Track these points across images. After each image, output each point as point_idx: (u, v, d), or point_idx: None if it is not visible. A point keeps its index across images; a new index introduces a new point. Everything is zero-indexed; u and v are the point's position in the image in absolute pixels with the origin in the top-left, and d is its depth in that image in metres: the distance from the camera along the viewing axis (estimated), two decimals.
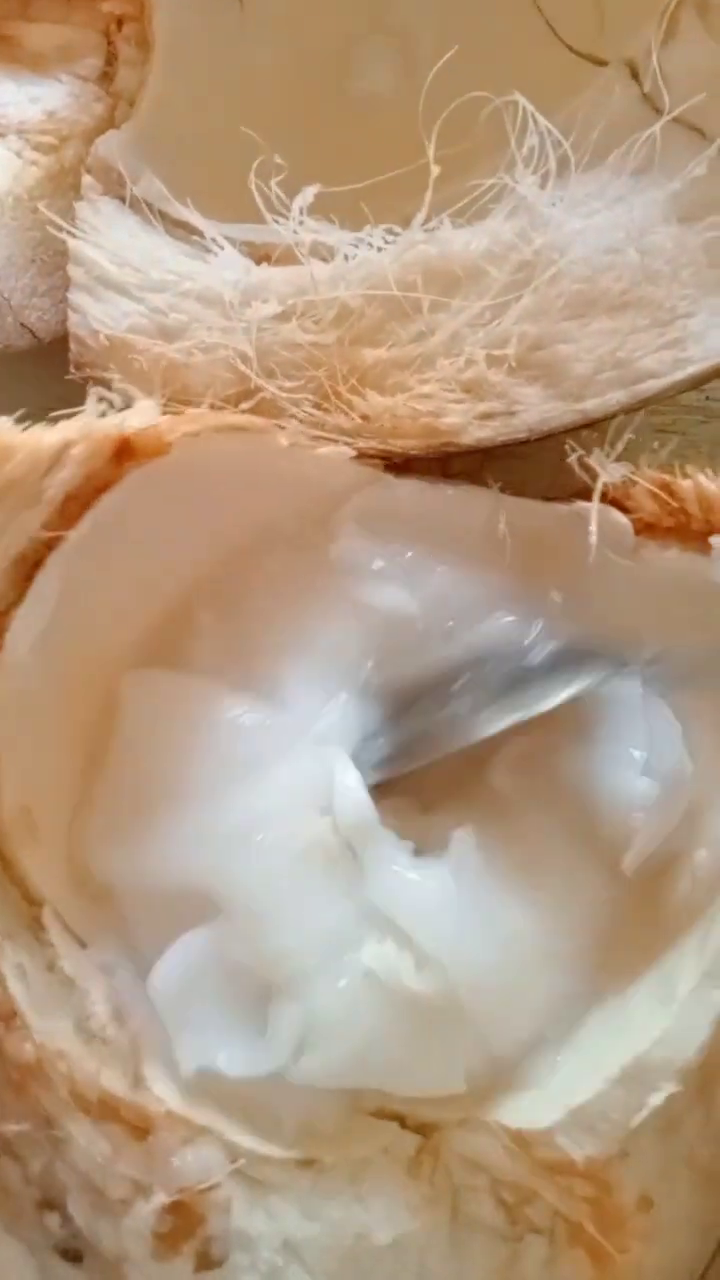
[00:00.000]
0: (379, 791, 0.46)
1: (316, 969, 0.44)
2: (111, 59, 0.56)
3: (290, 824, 0.45)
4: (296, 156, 0.55)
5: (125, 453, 0.41)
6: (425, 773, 0.48)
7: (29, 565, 0.41)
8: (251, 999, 0.45)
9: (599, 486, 0.45)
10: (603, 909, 0.46)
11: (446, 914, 0.44)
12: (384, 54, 0.58)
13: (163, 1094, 0.43)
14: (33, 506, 0.41)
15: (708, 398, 0.62)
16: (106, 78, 0.56)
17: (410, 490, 0.48)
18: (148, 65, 0.55)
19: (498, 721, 0.46)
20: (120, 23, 0.56)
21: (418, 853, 0.46)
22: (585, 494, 0.47)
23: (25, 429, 0.41)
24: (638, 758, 0.47)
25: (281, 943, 0.44)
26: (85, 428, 0.41)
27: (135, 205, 0.52)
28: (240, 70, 0.57)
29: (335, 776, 0.45)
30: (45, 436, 0.40)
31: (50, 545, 0.41)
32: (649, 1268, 0.44)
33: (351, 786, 0.45)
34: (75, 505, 0.41)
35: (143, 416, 0.42)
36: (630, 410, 0.47)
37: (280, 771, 0.46)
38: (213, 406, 0.48)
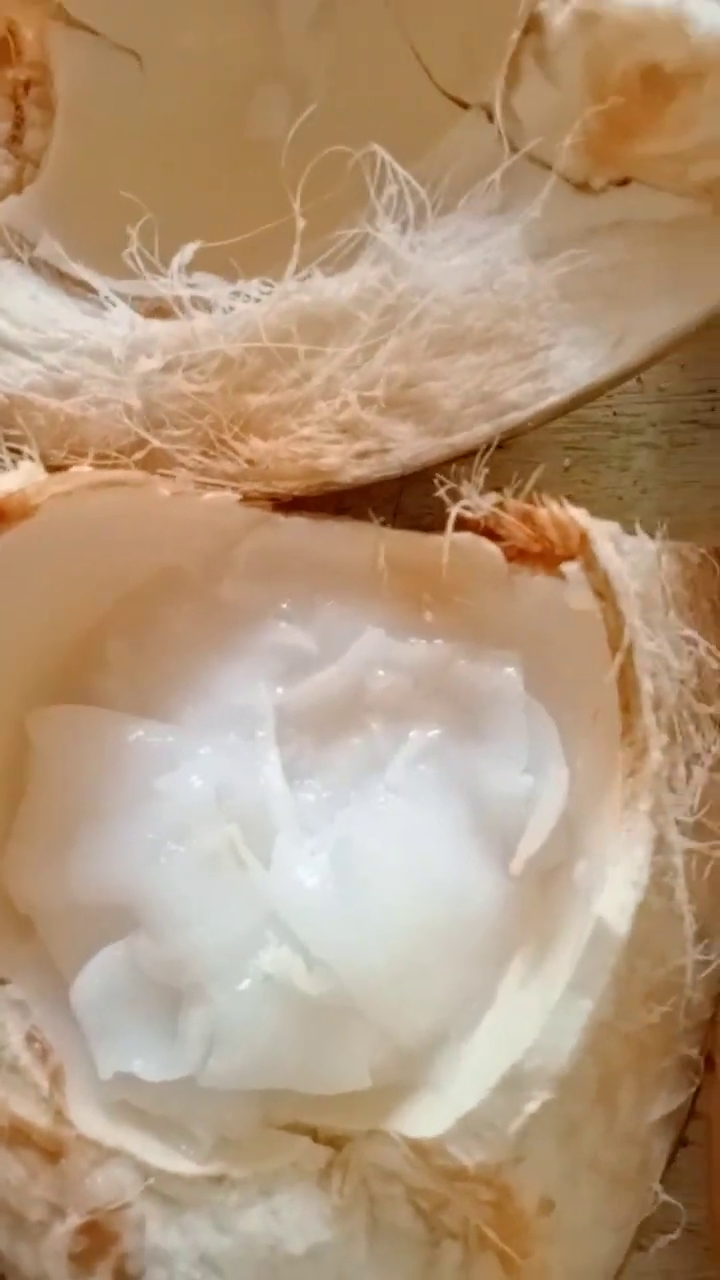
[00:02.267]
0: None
1: (221, 973, 0.45)
2: (19, 122, 0.57)
3: (198, 833, 0.46)
4: (198, 202, 0.57)
5: None
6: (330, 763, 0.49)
7: None
8: (166, 1007, 0.46)
9: (452, 516, 0.46)
10: (496, 906, 0.47)
11: (331, 917, 0.45)
12: (278, 99, 0.59)
13: (80, 1118, 0.45)
14: None
15: (615, 414, 0.62)
16: (15, 140, 0.57)
17: (297, 528, 0.49)
18: (52, 126, 0.57)
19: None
20: (27, 86, 0.57)
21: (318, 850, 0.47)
22: (465, 524, 0.48)
23: None
24: (521, 755, 0.47)
25: (188, 949, 0.45)
26: None
27: (36, 267, 0.54)
28: (141, 122, 0.58)
29: (262, 770, 0.47)
30: None
31: None
32: (557, 1269, 0.45)
33: (272, 780, 0.47)
34: None
35: (16, 479, 0.43)
36: (500, 442, 0.48)
37: (189, 783, 0.47)
38: (104, 458, 0.49)
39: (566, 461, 0.62)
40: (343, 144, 0.51)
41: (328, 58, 0.58)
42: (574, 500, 0.62)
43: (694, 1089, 0.48)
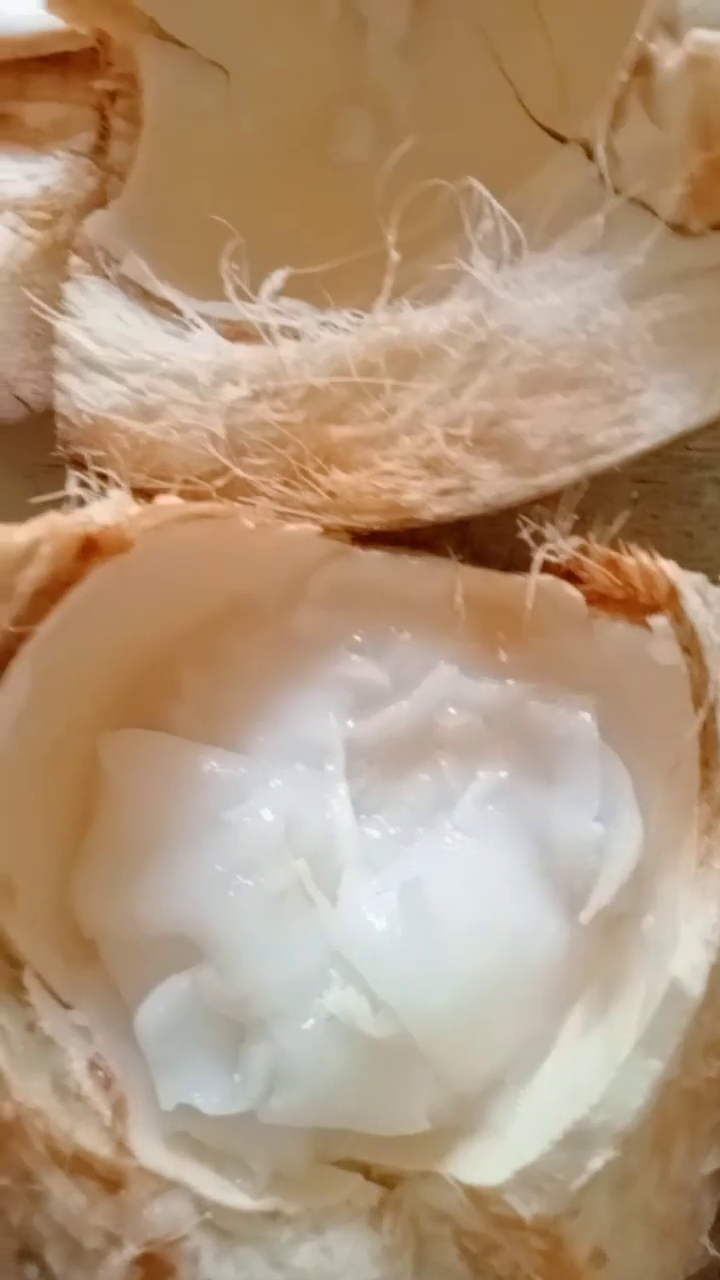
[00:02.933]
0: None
1: (285, 1011, 0.44)
2: (104, 134, 0.57)
3: (266, 867, 0.45)
4: (281, 222, 0.56)
5: (90, 550, 0.42)
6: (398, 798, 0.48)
7: (2, 657, 0.42)
8: (229, 1041, 0.46)
9: (538, 559, 0.45)
10: (560, 952, 0.46)
11: (397, 960, 0.44)
12: (363, 121, 0.58)
13: (140, 1147, 0.44)
14: (4, 602, 0.41)
15: (687, 448, 0.62)
16: (100, 152, 0.57)
17: (375, 562, 0.48)
18: (138, 139, 0.56)
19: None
20: (113, 97, 0.57)
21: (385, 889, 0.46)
22: (546, 566, 0.47)
23: None
24: (592, 801, 0.47)
25: (253, 985, 0.45)
26: (53, 525, 0.42)
27: (121, 284, 0.53)
28: (226, 140, 0.58)
29: (330, 804, 0.46)
30: (15, 535, 0.41)
31: (21, 638, 0.42)
32: None
33: (340, 815, 0.46)
34: (44, 600, 0.42)
35: (109, 511, 0.43)
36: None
37: (259, 816, 0.46)
38: (188, 483, 0.49)
39: (635, 494, 0.61)
40: (430, 170, 0.50)
41: (415, 82, 0.57)
42: (641, 534, 0.62)
43: None
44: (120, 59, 0.56)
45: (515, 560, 0.48)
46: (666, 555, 0.61)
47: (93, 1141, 0.44)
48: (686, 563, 0.61)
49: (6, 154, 0.58)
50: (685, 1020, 0.41)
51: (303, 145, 0.58)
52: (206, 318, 0.52)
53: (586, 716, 0.47)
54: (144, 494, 0.49)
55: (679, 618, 0.43)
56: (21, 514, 0.49)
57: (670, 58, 0.43)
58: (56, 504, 0.47)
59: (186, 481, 0.49)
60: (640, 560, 0.44)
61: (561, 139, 0.50)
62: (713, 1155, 0.46)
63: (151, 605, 0.47)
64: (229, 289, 0.48)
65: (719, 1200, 0.47)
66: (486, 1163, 0.44)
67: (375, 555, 0.48)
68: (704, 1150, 0.46)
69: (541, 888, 0.47)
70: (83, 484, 0.47)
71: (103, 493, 0.46)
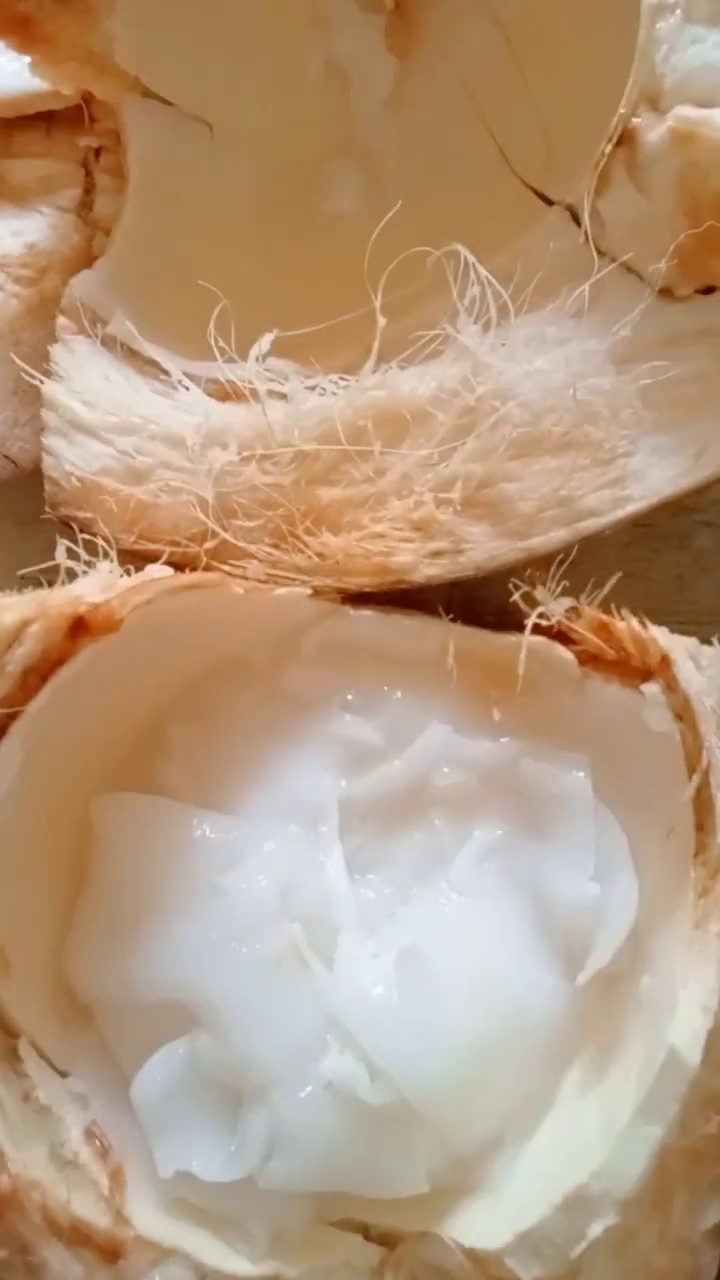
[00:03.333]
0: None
1: (283, 1078, 0.44)
2: (90, 189, 0.57)
3: (262, 933, 0.45)
4: (268, 278, 0.56)
5: (80, 630, 0.42)
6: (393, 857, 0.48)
7: None
8: (227, 1106, 0.45)
9: (530, 622, 0.46)
10: (558, 1012, 0.46)
11: (395, 1026, 0.44)
12: (349, 175, 0.59)
13: (138, 1215, 0.44)
14: None
15: None
16: (85, 207, 0.57)
17: (366, 621, 0.48)
18: (123, 194, 0.56)
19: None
20: (98, 154, 0.57)
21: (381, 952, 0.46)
22: (538, 628, 0.47)
23: None
24: (588, 860, 0.47)
25: (251, 1052, 0.45)
26: (42, 604, 0.42)
27: (109, 344, 0.53)
28: (211, 195, 0.58)
29: (325, 865, 0.46)
30: (4, 615, 0.41)
31: (11, 716, 0.42)
32: None
33: (335, 877, 0.46)
34: (34, 678, 0.42)
35: (97, 587, 0.43)
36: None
37: (254, 881, 0.46)
38: (177, 545, 0.49)
39: (626, 539, 0.62)
40: (417, 228, 0.51)
41: (401, 138, 0.58)
42: (633, 577, 0.62)
43: None
44: (105, 116, 0.56)
45: (505, 619, 0.49)
46: (657, 599, 0.62)
47: (90, 1211, 0.44)
48: (676, 606, 0.62)
49: None
50: (684, 1088, 0.41)
51: (288, 200, 0.58)
52: (194, 378, 0.52)
53: (581, 775, 0.47)
54: (134, 556, 0.49)
55: (671, 685, 0.44)
56: (10, 567, 0.49)
57: (654, 131, 0.43)
58: (45, 572, 0.47)
59: (175, 543, 0.49)
60: (631, 625, 0.44)
61: (549, 201, 0.51)
62: (712, 1209, 0.46)
63: (142, 672, 0.47)
64: (216, 354, 0.48)
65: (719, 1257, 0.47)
66: (485, 1224, 0.44)
67: (366, 614, 0.49)
68: (703, 1205, 0.46)
69: (538, 947, 0.47)
70: (71, 553, 0.47)
71: (90, 562, 0.46)
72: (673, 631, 0.61)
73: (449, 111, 0.56)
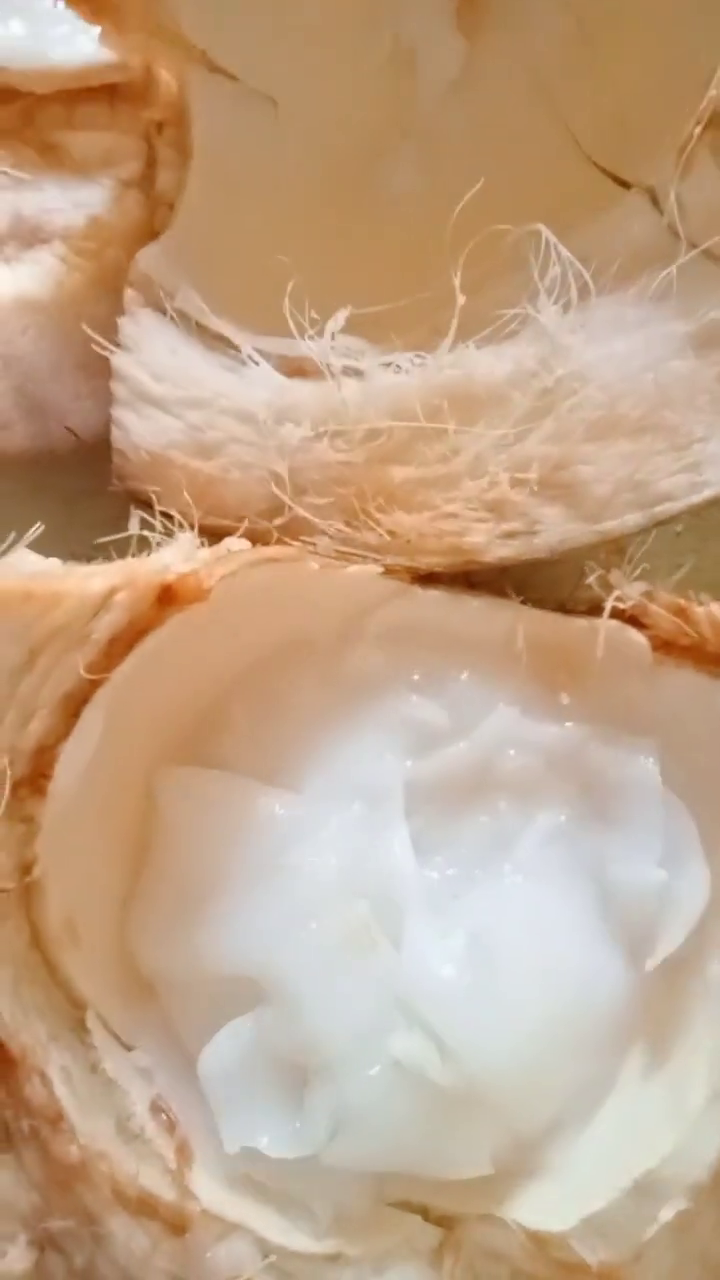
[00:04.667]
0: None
1: (350, 1056, 0.44)
2: (151, 162, 0.56)
3: (328, 911, 0.45)
4: (328, 255, 0.56)
5: (168, 599, 0.41)
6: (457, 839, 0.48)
7: (76, 702, 0.42)
8: (292, 1083, 0.45)
9: (609, 604, 0.45)
10: (622, 997, 0.46)
11: (465, 1007, 0.44)
12: (412, 156, 0.58)
13: (203, 1189, 0.44)
14: (79, 648, 0.41)
15: None
16: (147, 180, 0.57)
17: (435, 602, 0.48)
18: (186, 168, 0.56)
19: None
20: (160, 127, 0.56)
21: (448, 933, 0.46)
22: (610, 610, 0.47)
23: (72, 571, 0.42)
24: (655, 846, 0.47)
25: (318, 1030, 0.45)
26: (129, 572, 0.41)
27: (176, 317, 0.53)
28: (273, 171, 0.57)
29: (391, 845, 0.46)
30: (92, 581, 0.41)
31: (95, 684, 0.42)
32: None
33: (401, 857, 0.46)
34: (119, 646, 0.42)
35: (183, 557, 0.43)
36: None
37: (320, 858, 0.46)
38: (248, 521, 0.49)
39: (679, 528, 0.61)
40: (481, 209, 0.50)
41: (466, 121, 0.57)
42: (682, 568, 0.62)
43: None
44: (166, 89, 0.55)
45: (568, 602, 0.48)
46: (708, 589, 0.61)
47: (156, 1184, 0.43)
48: None
49: (54, 183, 0.58)
50: None
51: (351, 178, 0.58)
52: (263, 354, 0.51)
53: (649, 761, 0.47)
54: (207, 532, 0.49)
55: None
56: (65, 542, 0.48)
57: None
58: (117, 543, 0.47)
59: (242, 519, 0.48)
60: (711, 609, 0.44)
61: (625, 184, 0.50)
62: None
63: (220, 644, 0.46)
64: (292, 328, 0.48)
65: None
66: (547, 1207, 0.44)
67: (434, 595, 0.48)
68: None
69: (603, 932, 0.47)
70: (145, 524, 0.46)
71: (166, 533, 0.46)
72: None
73: (516, 94, 0.56)
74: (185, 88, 0.55)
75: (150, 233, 0.56)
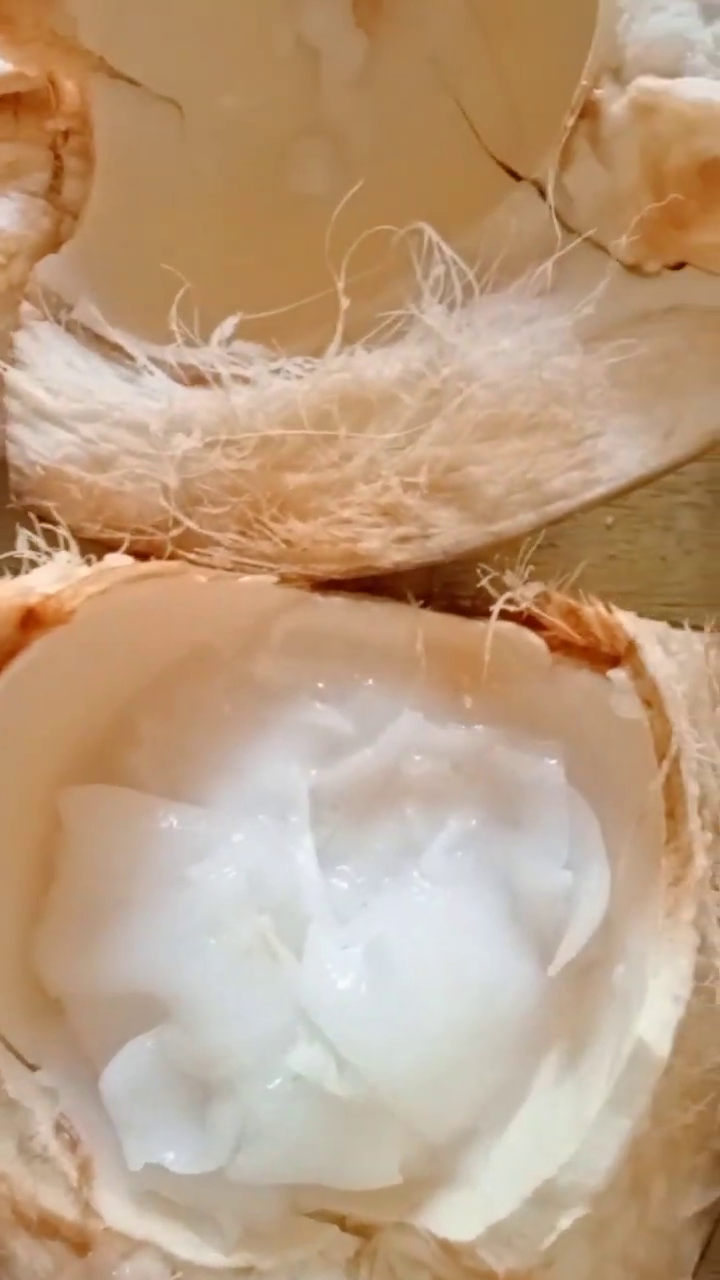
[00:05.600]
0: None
1: (251, 1070, 0.44)
2: (58, 172, 0.56)
3: (230, 925, 0.45)
4: (238, 260, 0.55)
5: (30, 622, 0.41)
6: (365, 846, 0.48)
7: None
8: (196, 1098, 0.45)
9: (496, 608, 0.45)
10: (531, 1001, 0.46)
11: (362, 1018, 0.44)
12: (319, 154, 0.58)
13: (108, 1207, 0.44)
14: None
15: None
16: (54, 191, 0.56)
17: (336, 608, 0.48)
18: (92, 177, 0.55)
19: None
20: (66, 136, 0.56)
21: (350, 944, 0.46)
22: (508, 613, 0.46)
23: None
24: (561, 848, 0.46)
25: (219, 1045, 0.44)
26: None
27: (73, 329, 0.52)
28: (181, 176, 0.57)
29: (296, 855, 0.46)
30: None
31: None
32: None
33: (306, 867, 0.46)
34: None
35: (51, 578, 0.42)
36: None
37: (222, 872, 0.46)
38: (142, 533, 0.48)
39: (609, 520, 0.61)
40: (387, 206, 0.50)
41: (371, 115, 0.57)
42: (615, 560, 0.62)
43: None
44: (70, 98, 0.55)
45: (481, 605, 0.48)
46: (640, 580, 0.61)
47: (59, 1203, 0.43)
48: (660, 588, 0.61)
49: None
50: (652, 1079, 0.41)
51: (260, 180, 0.58)
52: (160, 362, 0.51)
53: (553, 763, 0.46)
54: (101, 545, 0.48)
55: (639, 671, 0.43)
56: None
57: (616, 103, 0.42)
58: (9, 562, 0.46)
59: (141, 531, 0.48)
60: (599, 610, 0.43)
61: (518, 176, 0.49)
62: (693, 1197, 0.46)
63: (104, 662, 0.46)
64: (178, 338, 0.47)
65: (701, 1242, 0.47)
66: (459, 1215, 0.44)
67: (336, 601, 0.48)
68: (683, 1193, 0.46)
69: (512, 936, 0.46)
70: (34, 543, 0.46)
71: (50, 552, 0.45)
72: (657, 614, 0.60)
73: (419, 87, 0.55)
74: (88, 95, 0.55)
75: (57, 243, 0.55)
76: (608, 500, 0.46)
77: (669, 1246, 0.46)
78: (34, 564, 0.45)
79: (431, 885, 0.47)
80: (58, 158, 0.56)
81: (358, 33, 0.56)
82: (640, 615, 0.59)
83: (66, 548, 0.45)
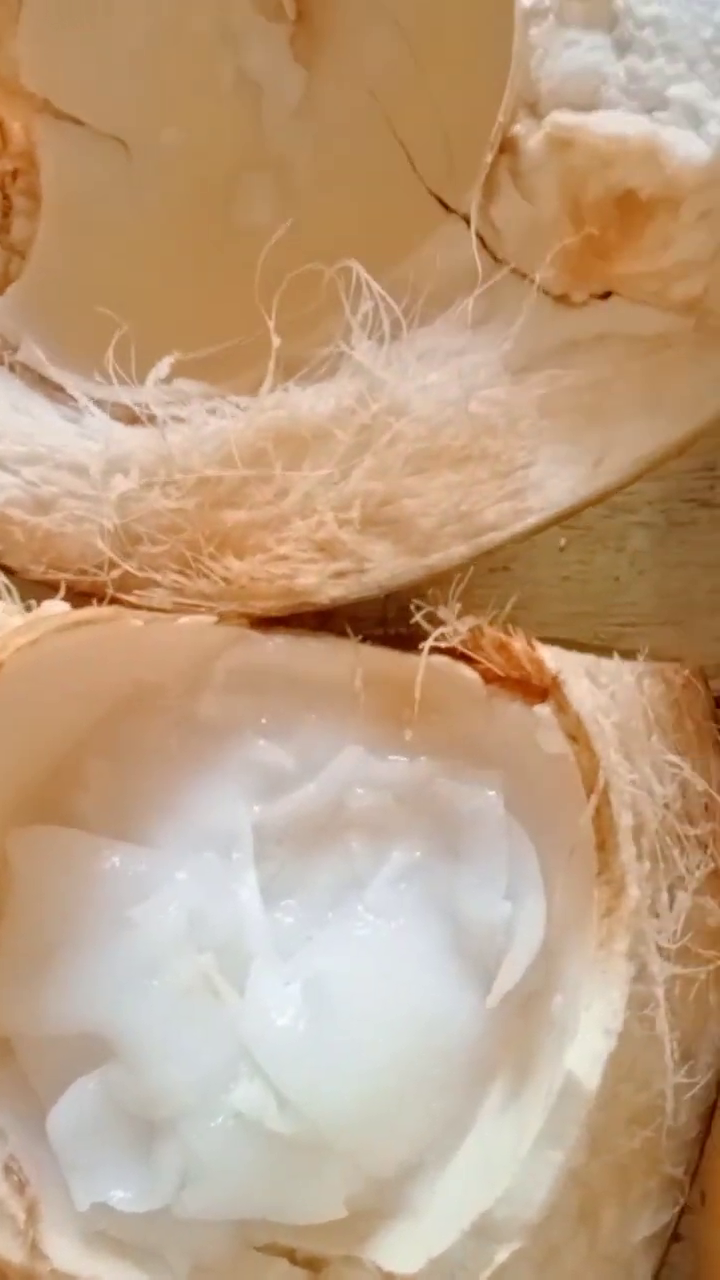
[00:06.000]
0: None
1: (193, 1109, 0.44)
2: (6, 212, 0.57)
3: (172, 964, 0.45)
4: (185, 297, 0.56)
5: None
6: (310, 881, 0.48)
7: None
8: (143, 1137, 0.45)
9: (428, 644, 0.45)
10: (475, 1032, 0.46)
11: (301, 1055, 0.44)
12: (264, 187, 0.58)
13: (56, 1248, 0.44)
14: None
15: None
16: (2, 231, 0.57)
17: (276, 645, 0.48)
18: (38, 216, 0.56)
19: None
20: (15, 175, 0.56)
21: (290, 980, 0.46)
22: (443, 647, 0.46)
23: None
24: (501, 879, 0.46)
25: (162, 1083, 0.45)
26: None
27: (18, 370, 0.53)
28: (128, 213, 0.57)
29: (238, 892, 0.46)
30: None
31: None
32: None
33: (249, 904, 0.46)
34: None
35: None
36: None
37: (164, 911, 0.46)
38: (84, 574, 0.49)
39: (562, 541, 0.61)
40: (326, 240, 0.50)
41: (312, 147, 0.57)
42: (569, 580, 0.62)
43: (678, 1208, 0.47)
44: (16, 138, 0.55)
45: (421, 637, 0.48)
46: (595, 601, 0.61)
47: (6, 1246, 0.43)
48: (614, 608, 0.61)
49: None
50: (583, 1111, 0.41)
51: (207, 216, 0.58)
52: (103, 403, 0.51)
53: (492, 794, 0.46)
54: (48, 586, 0.49)
55: (563, 706, 0.43)
56: None
57: (533, 137, 0.42)
58: None
59: (84, 572, 0.48)
60: (525, 646, 0.43)
61: (449, 208, 0.50)
62: (644, 1221, 0.46)
63: (42, 708, 0.46)
64: (113, 378, 0.48)
65: (654, 1266, 0.47)
66: (405, 1246, 0.44)
67: (277, 639, 0.48)
68: (634, 1218, 0.46)
69: (455, 967, 0.46)
70: None
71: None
72: (611, 634, 0.60)
73: (358, 119, 0.56)
74: (33, 135, 0.55)
75: (5, 284, 0.56)
76: (540, 530, 0.46)
77: (621, 1272, 0.46)
78: None
79: (375, 918, 0.47)
80: (5, 197, 0.56)
81: (295, 66, 0.56)
82: (595, 635, 0.60)
83: (8, 594, 0.45)
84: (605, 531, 0.61)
